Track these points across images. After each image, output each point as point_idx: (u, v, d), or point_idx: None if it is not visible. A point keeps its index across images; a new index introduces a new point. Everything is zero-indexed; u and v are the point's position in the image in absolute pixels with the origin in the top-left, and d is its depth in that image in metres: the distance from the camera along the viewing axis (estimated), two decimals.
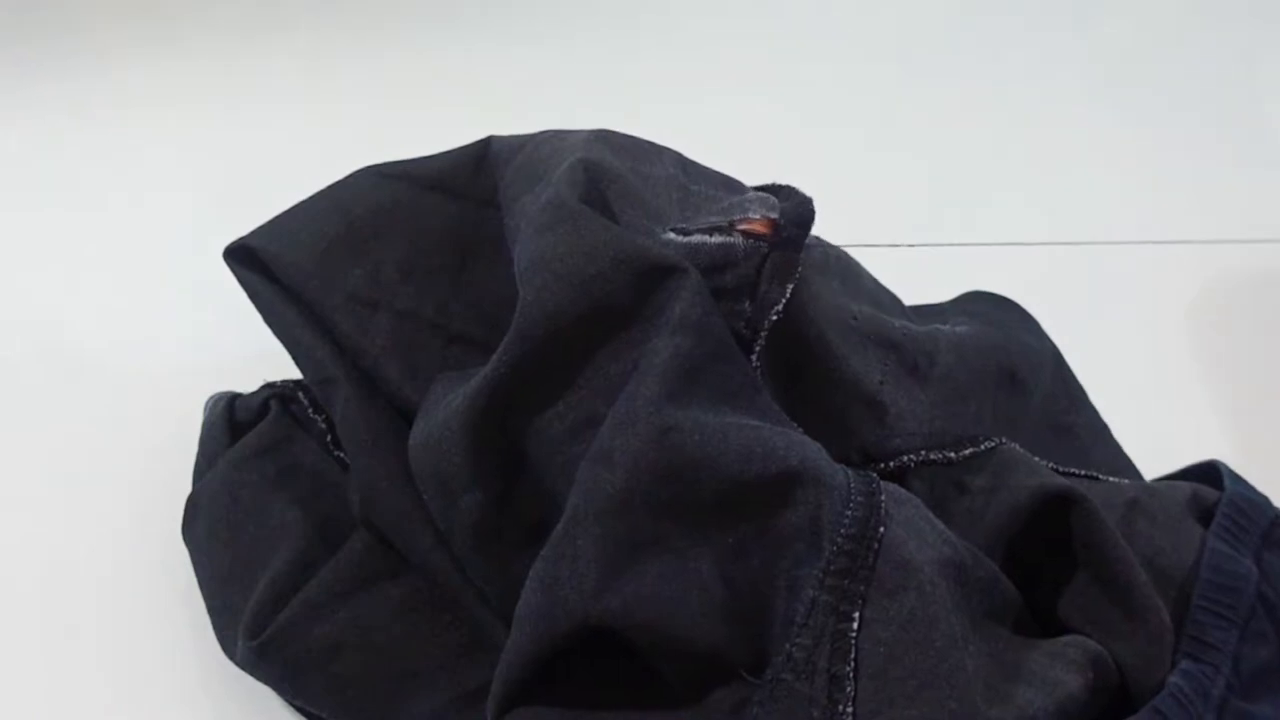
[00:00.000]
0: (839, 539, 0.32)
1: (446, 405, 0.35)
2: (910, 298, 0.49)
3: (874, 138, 0.71)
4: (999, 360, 0.45)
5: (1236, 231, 0.65)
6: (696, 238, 0.37)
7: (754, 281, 0.37)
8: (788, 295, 0.37)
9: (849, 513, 0.33)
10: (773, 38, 0.84)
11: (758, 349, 0.37)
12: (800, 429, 0.37)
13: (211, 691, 0.41)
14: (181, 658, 0.42)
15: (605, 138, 0.40)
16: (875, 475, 0.35)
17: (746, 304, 0.37)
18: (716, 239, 0.37)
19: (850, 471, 0.34)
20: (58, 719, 0.41)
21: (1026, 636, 0.37)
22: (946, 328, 0.45)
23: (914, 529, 0.33)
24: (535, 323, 0.34)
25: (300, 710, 0.40)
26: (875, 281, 0.46)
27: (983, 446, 0.41)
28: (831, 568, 0.32)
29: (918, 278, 0.48)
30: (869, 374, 0.40)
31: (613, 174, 0.38)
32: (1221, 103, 0.78)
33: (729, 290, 0.37)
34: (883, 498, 0.33)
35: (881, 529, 0.33)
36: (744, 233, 0.37)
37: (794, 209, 0.38)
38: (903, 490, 0.35)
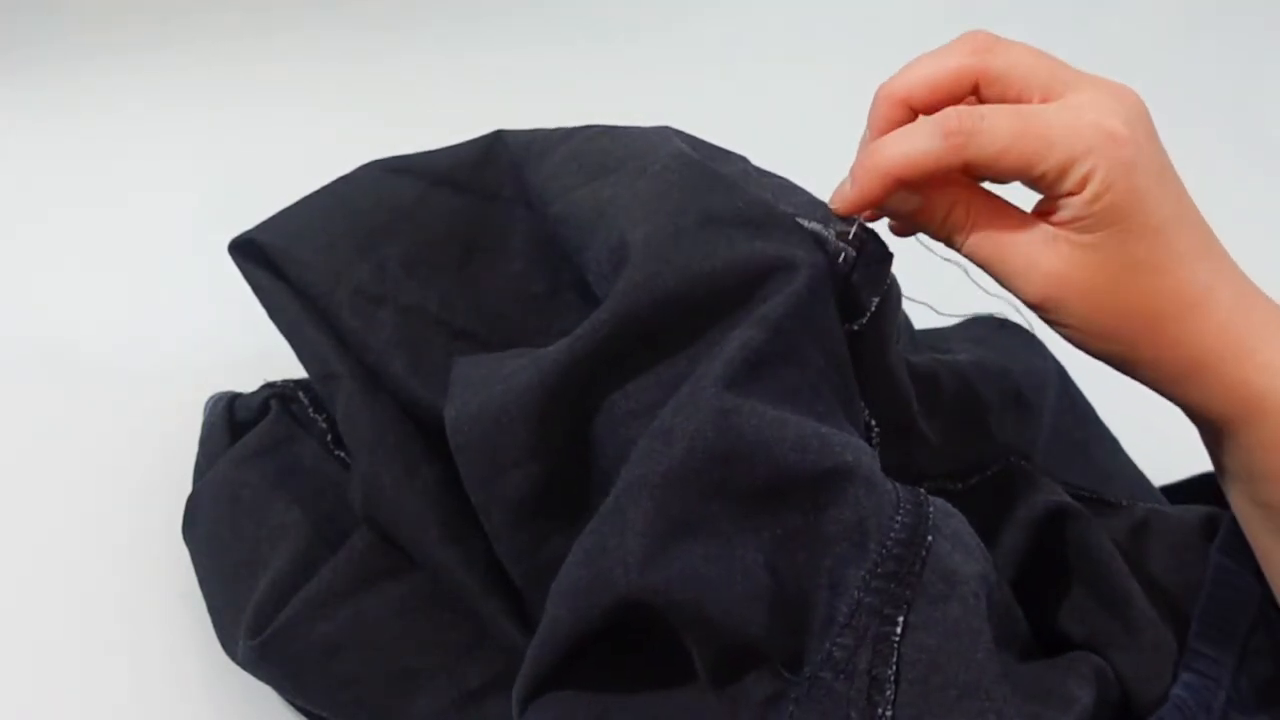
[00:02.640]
0: (888, 543, 0.32)
1: (507, 378, 0.35)
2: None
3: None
4: (1003, 384, 0.46)
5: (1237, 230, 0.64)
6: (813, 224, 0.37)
7: (845, 283, 0.37)
8: (874, 308, 0.37)
9: (899, 518, 0.33)
10: (769, 36, 0.84)
11: (865, 339, 0.37)
12: (859, 435, 0.36)
13: (212, 691, 0.41)
14: (181, 658, 0.42)
15: (678, 133, 0.40)
16: (922, 489, 0.34)
17: (849, 298, 0.37)
18: (812, 226, 0.37)
19: (897, 483, 0.34)
20: (58, 718, 0.41)
21: (1029, 659, 0.37)
22: (948, 357, 0.45)
23: (960, 542, 0.33)
24: (639, 304, 0.34)
25: (301, 710, 0.40)
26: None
27: (989, 472, 0.41)
28: (879, 570, 0.32)
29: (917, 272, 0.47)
30: (913, 397, 0.40)
31: (709, 167, 0.38)
32: (1222, 102, 0.79)
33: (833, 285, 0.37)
34: (931, 509, 0.33)
35: (930, 538, 0.33)
36: (838, 234, 0.37)
37: (864, 228, 0.38)
38: (949, 504, 0.35)
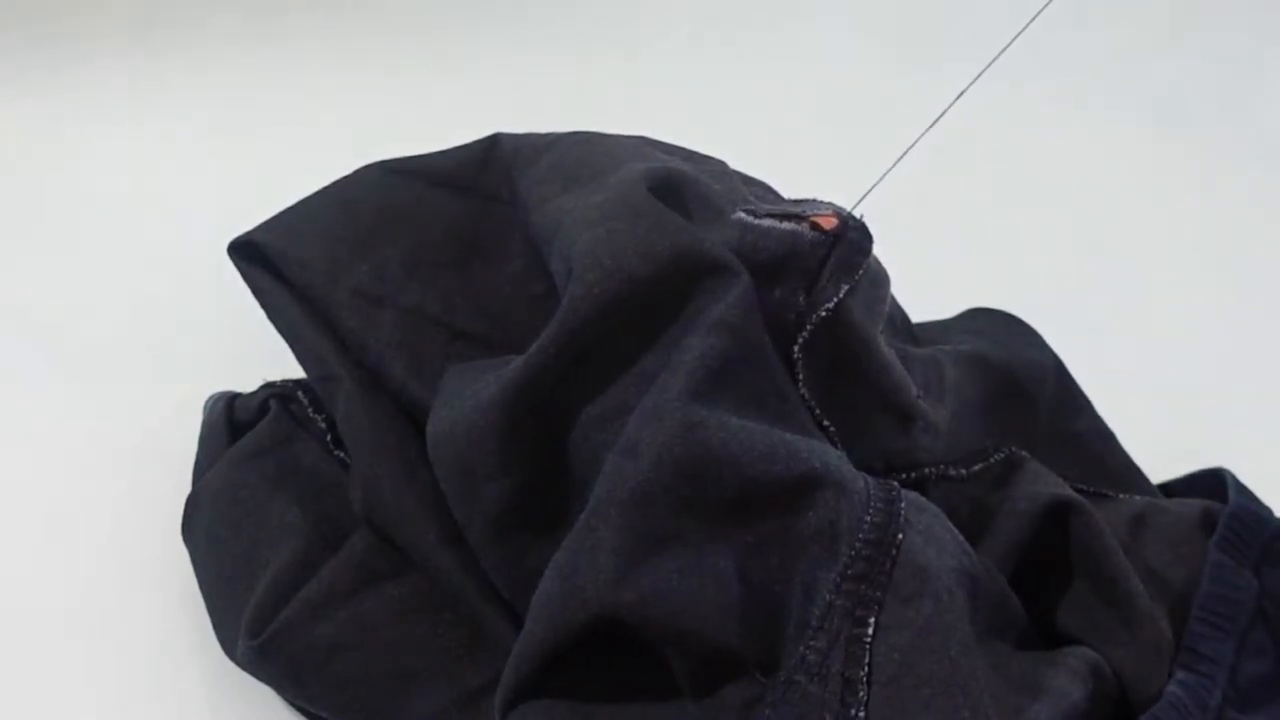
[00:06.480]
0: (857, 544, 0.32)
1: (475, 394, 0.35)
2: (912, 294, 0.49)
3: (871, 135, 0.71)
4: (1004, 375, 0.46)
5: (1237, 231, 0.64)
6: (767, 221, 0.37)
7: (815, 275, 0.37)
8: (841, 295, 0.37)
9: (868, 518, 0.33)
10: (768, 37, 0.84)
11: (801, 340, 0.38)
12: (824, 438, 0.37)
13: (211, 691, 0.41)
14: (181, 658, 0.42)
15: (653, 142, 0.41)
16: (896, 483, 0.35)
17: (801, 297, 0.37)
18: (786, 225, 0.37)
19: (870, 479, 0.34)
20: (58, 718, 0.41)
21: (1029, 649, 0.37)
22: (949, 347, 0.46)
23: (933, 537, 0.33)
24: (583, 317, 0.34)
25: (300, 710, 0.40)
26: (893, 298, 0.47)
27: (992, 460, 0.41)
28: (849, 572, 0.32)
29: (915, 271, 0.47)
30: (907, 385, 0.40)
31: (679, 171, 0.38)
32: (1221, 103, 0.79)
33: (789, 278, 0.37)
34: (903, 505, 0.33)
35: (900, 535, 0.33)
36: (812, 225, 0.37)
37: (853, 218, 0.38)
38: (923, 498, 0.35)
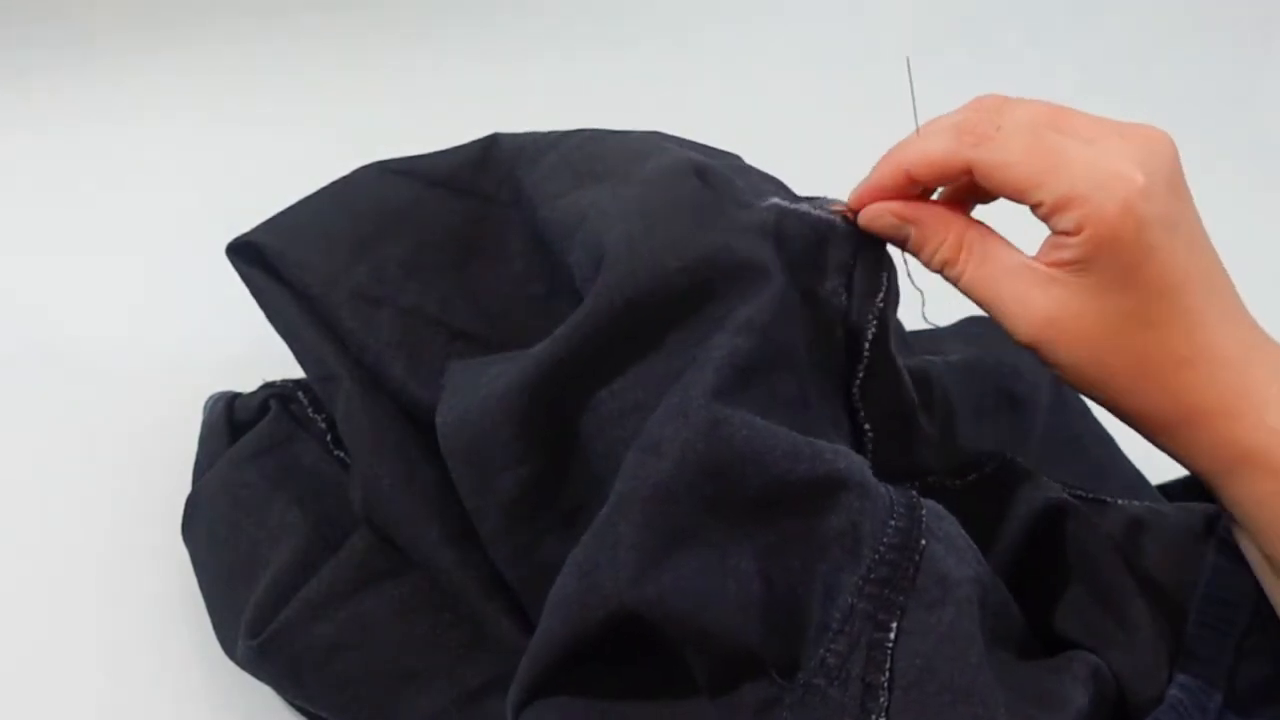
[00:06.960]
0: (881, 548, 0.32)
1: (490, 383, 0.35)
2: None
3: (870, 137, 0.71)
4: (995, 383, 0.45)
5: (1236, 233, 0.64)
6: (803, 205, 0.37)
7: (851, 267, 0.37)
8: (885, 284, 0.37)
9: (892, 523, 0.32)
10: (769, 42, 0.84)
11: (870, 335, 0.37)
12: (848, 445, 0.36)
13: (211, 691, 0.41)
14: (181, 658, 0.42)
15: (667, 137, 0.40)
16: (915, 491, 0.34)
17: (844, 295, 0.37)
18: (820, 211, 0.37)
19: (890, 486, 0.34)
20: (58, 719, 0.41)
21: (1028, 655, 0.37)
22: (938, 359, 0.45)
23: (952, 545, 0.33)
24: (612, 306, 0.34)
25: (300, 710, 0.40)
26: None
27: (987, 470, 0.41)
28: (872, 576, 0.32)
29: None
30: (913, 393, 0.40)
31: (708, 164, 0.38)
32: (1222, 103, 0.79)
33: (831, 273, 0.37)
34: (923, 512, 0.33)
35: (923, 542, 0.32)
36: (843, 216, 0.37)
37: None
38: (940, 507, 0.35)
